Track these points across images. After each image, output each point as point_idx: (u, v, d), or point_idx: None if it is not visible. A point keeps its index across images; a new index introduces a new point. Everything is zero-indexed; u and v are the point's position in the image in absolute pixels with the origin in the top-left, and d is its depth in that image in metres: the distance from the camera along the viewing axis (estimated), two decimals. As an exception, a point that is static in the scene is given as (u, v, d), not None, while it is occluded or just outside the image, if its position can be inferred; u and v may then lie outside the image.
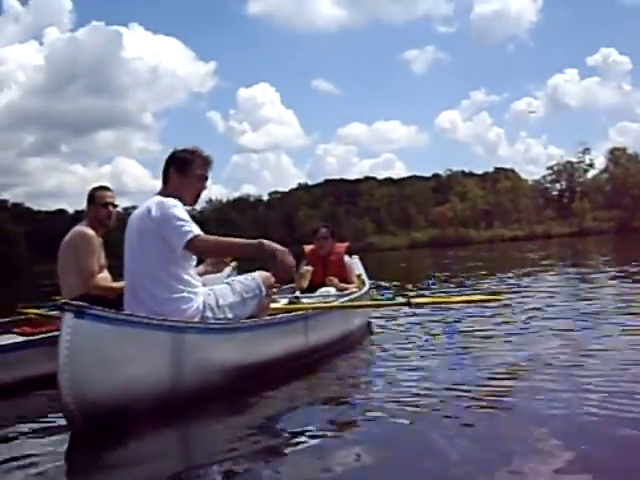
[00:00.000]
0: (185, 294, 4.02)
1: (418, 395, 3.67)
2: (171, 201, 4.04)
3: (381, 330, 6.37)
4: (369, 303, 6.38)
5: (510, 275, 13.44)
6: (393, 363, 4.65)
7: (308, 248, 7.03)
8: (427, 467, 2.62)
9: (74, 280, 4.98)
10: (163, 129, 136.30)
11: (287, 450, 2.99)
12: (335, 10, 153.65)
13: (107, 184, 5.47)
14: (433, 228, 78.90)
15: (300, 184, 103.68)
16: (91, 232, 5.11)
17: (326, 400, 3.91)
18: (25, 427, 3.63)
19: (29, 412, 4.06)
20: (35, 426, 3.62)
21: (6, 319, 5.34)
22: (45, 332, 4.77)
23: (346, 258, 6.98)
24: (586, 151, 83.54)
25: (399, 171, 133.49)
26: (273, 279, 4.49)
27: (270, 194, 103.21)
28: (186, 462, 2.94)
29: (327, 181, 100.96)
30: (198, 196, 4.35)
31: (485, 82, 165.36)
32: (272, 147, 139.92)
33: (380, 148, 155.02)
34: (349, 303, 5.56)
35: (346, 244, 7.21)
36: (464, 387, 3.78)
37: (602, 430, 2.85)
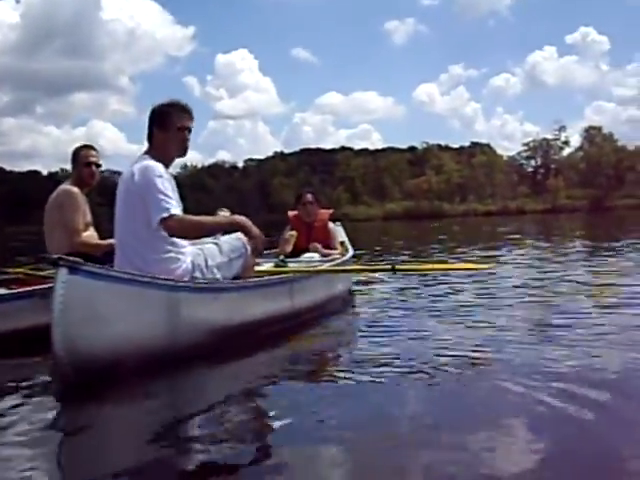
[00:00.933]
0: (172, 254, 4.04)
1: (396, 358, 3.76)
2: (157, 169, 4.00)
3: (363, 296, 6.49)
4: (354, 268, 6.45)
5: (482, 247, 13.65)
6: (373, 328, 4.75)
7: (292, 214, 7.00)
8: (398, 428, 2.67)
9: (60, 238, 4.98)
10: (139, 92, 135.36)
11: (268, 407, 3.09)
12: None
13: (91, 144, 5.44)
14: (408, 200, 79.09)
15: (276, 152, 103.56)
16: (76, 190, 5.09)
17: (308, 360, 4.00)
18: (15, 379, 3.65)
19: (19, 363, 4.08)
20: (25, 378, 3.64)
21: None
22: None
23: (330, 225, 6.97)
24: (562, 129, 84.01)
25: (375, 142, 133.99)
26: None
27: (245, 161, 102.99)
28: (171, 418, 2.97)
29: (303, 150, 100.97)
30: (185, 148, 4.29)
31: (464, 57, 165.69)
32: (249, 114, 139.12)
33: (357, 119, 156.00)
34: (332, 267, 5.62)
35: (330, 211, 7.21)
36: (441, 352, 3.88)
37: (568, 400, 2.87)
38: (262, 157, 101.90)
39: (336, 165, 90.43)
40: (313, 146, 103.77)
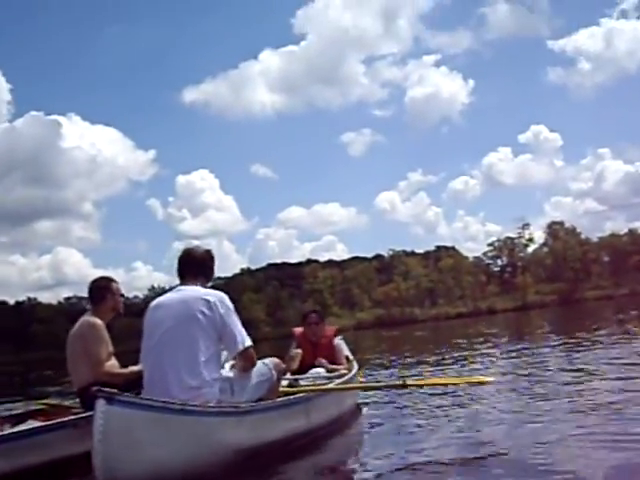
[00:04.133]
0: (205, 381, 4.27)
1: (411, 471, 3.95)
2: (231, 303, 4.49)
3: (371, 410, 6.61)
4: (366, 385, 6.63)
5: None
6: (381, 440, 5.00)
7: (298, 331, 7.17)
8: None
9: (84, 368, 5.19)
10: (103, 218, 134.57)
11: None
12: (271, 96, 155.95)
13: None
14: (378, 308, 79.21)
15: (242, 269, 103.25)
16: (99, 322, 5.34)
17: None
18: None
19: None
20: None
21: (21, 411, 5.44)
22: None
23: (335, 340, 7.14)
24: (525, 226, 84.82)
25: (341, 253, 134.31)
26: (283, 365, 4.98)
27: (213, 280, 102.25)
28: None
29: (269, 265, 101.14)
30: None
31: (422, 163, 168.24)
32: (213, 233, 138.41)
33: (321, 231, 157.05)
34: (345, 385, 5.82)
35: (335, 327, 7.43)
36: (444, 462, 4.09)
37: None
38: (229, 275, 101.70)
39: (303, 278, 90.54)
40: (279, 261, 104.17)
